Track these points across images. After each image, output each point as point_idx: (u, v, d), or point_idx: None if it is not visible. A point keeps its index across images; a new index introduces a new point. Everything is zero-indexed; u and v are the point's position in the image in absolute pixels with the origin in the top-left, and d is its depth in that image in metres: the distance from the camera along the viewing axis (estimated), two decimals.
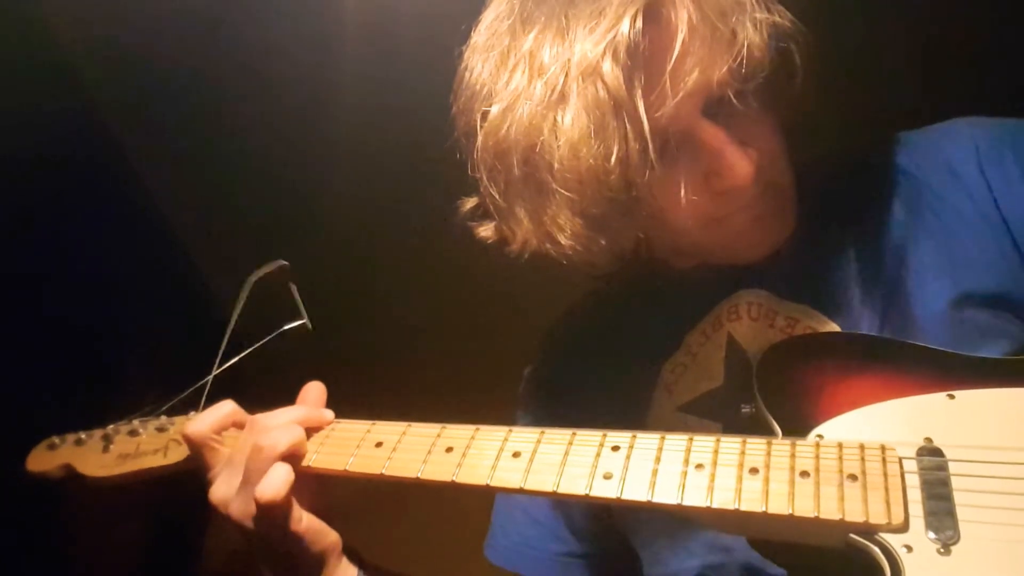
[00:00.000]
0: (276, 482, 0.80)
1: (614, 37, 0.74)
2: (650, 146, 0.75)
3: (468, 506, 1.09)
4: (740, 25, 0.77)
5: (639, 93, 0.75)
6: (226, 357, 1.01)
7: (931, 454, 0.70)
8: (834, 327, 0.89)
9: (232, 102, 1.57)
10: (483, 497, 1.07)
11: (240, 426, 0.90)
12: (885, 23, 1.26)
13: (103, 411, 1.06)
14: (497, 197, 0.85)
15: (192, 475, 0.97)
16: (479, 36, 0.85)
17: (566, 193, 0.78)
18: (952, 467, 0.69)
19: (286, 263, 1.03)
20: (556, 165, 0.77)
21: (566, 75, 0.76)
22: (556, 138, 0.77)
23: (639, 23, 0.74)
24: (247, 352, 1.08)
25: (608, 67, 0.74)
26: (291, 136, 1.56)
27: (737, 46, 0.76)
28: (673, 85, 0.76)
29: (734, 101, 0.80)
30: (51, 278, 1.49)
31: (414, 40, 1.41)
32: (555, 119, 0.76)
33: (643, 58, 0.75)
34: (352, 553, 0.88)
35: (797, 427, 0.76)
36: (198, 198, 1.68)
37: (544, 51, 0.78)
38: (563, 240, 0.81)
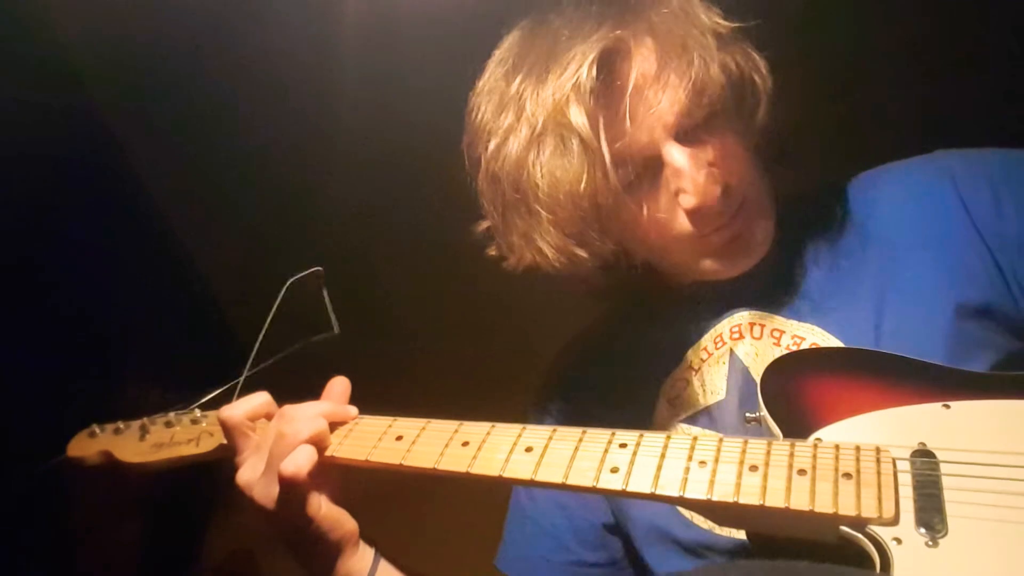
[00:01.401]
0: (299, 459, 0.86)
1: (576, 81, 0.87)
2: (611, 173, 0.88)
3: (481, 518, 1.13)
4: (694, 60, 0.88)
5: (601, 128, 0.88)
6: (259, 356, 1.06)
7: (924, 456, 0.73)
8: (836, 343, 0.93)
9: (233, 101, 1.59)
10: (494, 506, 1.11)
11: (271, 418, 0.96)
12: (881, 30, 1.30)
13: (101, 412, 1.10)
14: (496, 217, 1.00)
15: (196, 473, 1.02)
16: (483, 81, 0.99)
17: (548, 213, 0.92)
18: (943, 468, 0.72)
19: (320, 269, 1.09)
20: (539, 191, 0.91)
21: (543, 115, 0.90)
22: (538, 168, 0.91)
23: (595, 69, 0.87)
24: (280, 356, 1.13)
25: (573, 107, 0.88)
26: (293, 135, 1.59)
27: (689, 78, 0.88)
28: (632, 119, 0.88)
29: (701, 128, 0.90)
30: (51, 278, 1.52)
31: (417, 40, 1.44)
32: (537, 152, 0.91)
33: (603, 98, 0.88)
34: (370, 543, 0.92)
35: (798, 434, 0.80)
36: (199, 199, 1.70)
37: (528, 95, 0.92)
38: (549, 253, 0.94)
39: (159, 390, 1.10)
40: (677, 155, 0.90)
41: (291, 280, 1.08)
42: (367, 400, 0.99)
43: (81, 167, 1.58)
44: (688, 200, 0.90)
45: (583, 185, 0.88)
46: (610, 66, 0.89)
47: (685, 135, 0.90)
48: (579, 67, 0.87)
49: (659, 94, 0.88)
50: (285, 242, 1.08)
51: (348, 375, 1.02)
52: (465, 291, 1.54)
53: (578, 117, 0.87)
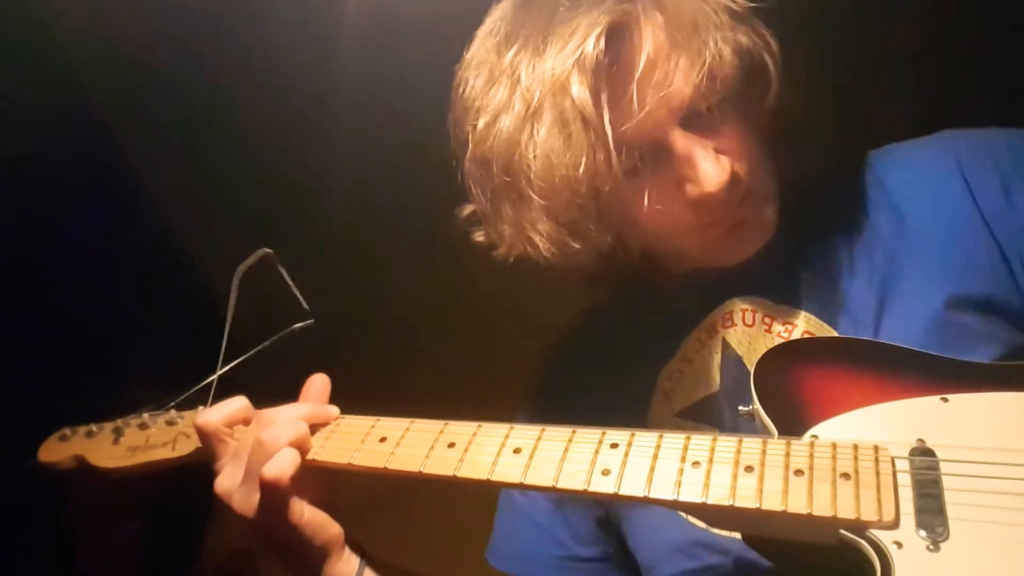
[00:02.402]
0: (282, 462, 0.83)
1: (581, 55, 0.80)
2: (614, 157, 0.81)
3: (471, 511, 1.11)
4: (706, 42, 0.82)
5: (605, 107, 0.81)
6: (228, 353, 1.03)
7: (923, 454, 0.71)
8: (831, 332, 0.91)
9: (233, 101, 1.58)
10: (486, 502, 1.09)
11: (249, 423, 0.92)
12: (880, 26, 1.28)
13: (102, 410, 1.08)
14: (484, 203, 0.92)
15: (196, 473, 0.99)
16: (471, 53, 0.91)
17: (541, 200, 0.85)
18: (943, 467, 0.70)
19: (269, 251, 1.04)
20: (532, 174, 0.84)
21: (540, 90, 0.82)
22: (532, 149, 0.83)
23: (602, 42, 0.80)
24: (255, 351, 1.10)
25: (575, 83, 0.80)
26: (293, 134, 1.57)
27: (703, 61, 0.81)
28: (639, 99, 0.81)
29: (709, 113, 0.84)
30: (50, 278, 1.51)
31: (414, 39, 1.43)
32: (531, 131, 0.83)
33: (609, 74, 0.81)
34: (355, 546, 0.90)
35: (793, 428, 0.78)
36: (199, 197, 1.69)
37: (523, 68, 0.84)
38: (540, 243, 0.88)
39: (159, 390, 1.07)
40: (684, 142, 0.84)
41: (239, 268, 1.04)
42: (346, 397, 0.96)
43: (81, 167, 1.56)
44: (693, 190, 0.85)
45: (581, 169, 0.81)
46: (617, 42, 0.82)
47: (692, 120, 0.85)
48: (584, 40, 0.79)
49: (669, 76, 0.81)
50: (285, 241, 1.05)
51: (327, 370, 0.99)
52: (450, 285, 1.53)
53: (581, 93, 0.79)
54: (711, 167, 0.84)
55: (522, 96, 0.83)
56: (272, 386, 0.96)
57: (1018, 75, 1.25)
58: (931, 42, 1.29)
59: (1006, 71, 1.27)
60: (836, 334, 0.90)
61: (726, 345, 0.95)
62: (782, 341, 0.91)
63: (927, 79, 1.31)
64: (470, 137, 0.89)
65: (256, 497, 0.83)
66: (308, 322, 1.10)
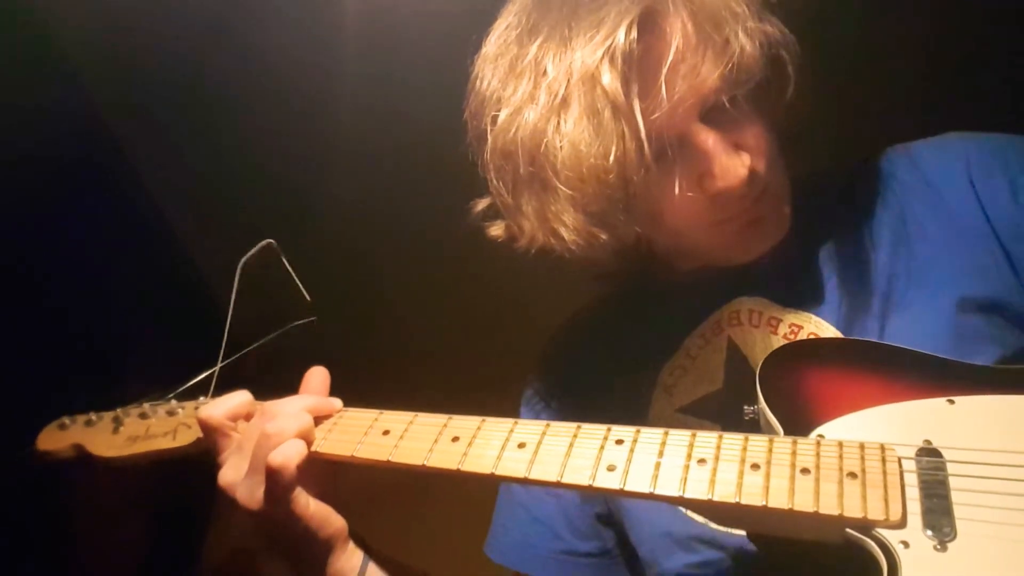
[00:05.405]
0: (288, 450, 0.82)
1: (611, 45, 0.79)
2: (645, 146, 0.80)
3: (471, 505, 1.10)
4: (732, 33, 0.82)
5: (635, 97, 0.80)
6: (230, 345, 1.02)
7: (930, 455, 0.72)
8: (836, 334, 0.91)
9: (233, 101, 1.58)
10: (487, 496, 1.09)
11: (251, 416, 0.92)
12: (886, 27, 1.29)
13: (102, 407, 1.07)
14: (505, 195, 0.90)
15: (196, 471, 0.98)
16: (489, 46, 0.90)
17: (568, 190, 0.83)
18: (950, 468, 0.70)
19: (272, 241, 1.04)
20: (559, 164, 0.82)
21: (568, 81, 0.81)
22: (559, 139, 0.82)
23: (634, 32, 0.80)
24: (258, 344, 1.09)
25: (606, 73, 0.79)
26: (293, 133, 1.58)
27: (729, 53, 0.81)
28: (668, 90, 0.81)
29: (729, 107, 0.84)
30: (49, 276, 1.50)
31: (414, 39, 1.44)
32: (558, 122, 0.82)
33: (639, 64, 0.81)
34: (359, 540, 0.89)
35: (799, 428, 0.78)
36: (199, 197, 1.70)
37: (548, 59, 0.83)
38: (566, 235, 0.86)
39: (158, 387, 1.07)
40: (704, 137, 0.84)
41: (243, 260, 1.03)
42: (348, 391, 0.95)
43: (81, 167, 1.56)
44: (713, 184, 0.85)
45: (611, 158, 0.80)
46: (646, 32, 0.81)
47: (713, 115, 0.84)
48: (614, 30, 0.79)
49: (697, 67, 0.81)
50: (285, 237, 1.06)
51: (329, 364, 0.98)
52: (454, 279, 1.53)
53: (612, 83, 0.79)
54: (731, 161, 0.84)
55: (548, 87, 0.82)
56: (273, 379, 0.96)
57: (1018, 75, 1.26)
58: (931, 42, 1.29)
59: (1006, 71, 1.28)
60: (841, 335, 0.90)
61: (731, 344, 0.95)
62: (787, 343, 0.92)
63: (927, 79, 1.31)
64: (489, 129, 0.88)
65: (261, 490, 0.82)
66: (310, 319, 1.10)
